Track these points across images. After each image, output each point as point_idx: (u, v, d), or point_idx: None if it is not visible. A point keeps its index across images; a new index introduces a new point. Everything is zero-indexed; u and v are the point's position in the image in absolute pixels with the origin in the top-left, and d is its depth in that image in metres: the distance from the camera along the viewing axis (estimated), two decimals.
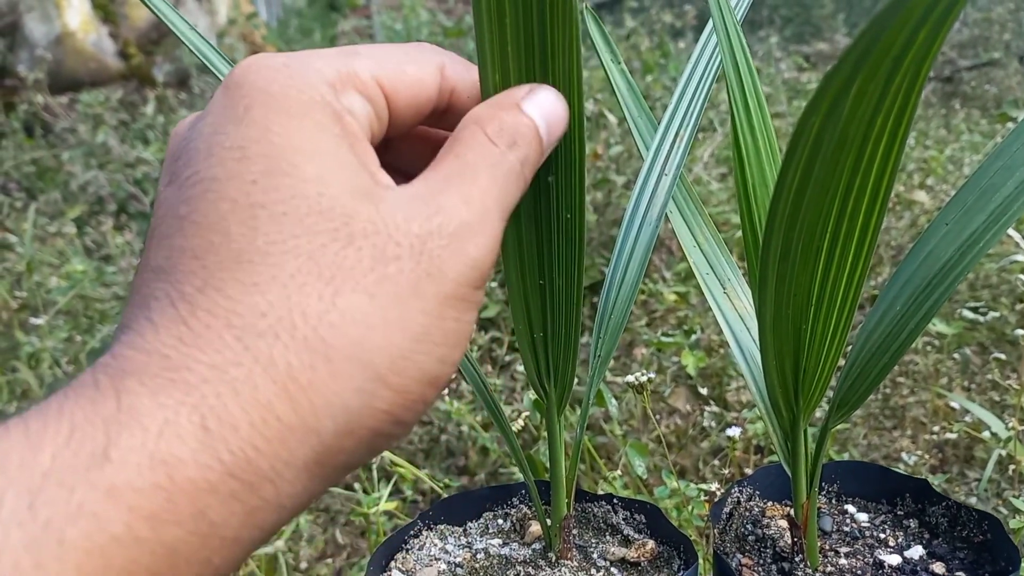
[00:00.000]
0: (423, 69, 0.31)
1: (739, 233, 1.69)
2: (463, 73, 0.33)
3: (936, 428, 1.17)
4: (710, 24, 0.48)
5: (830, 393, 0.42)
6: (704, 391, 1.15)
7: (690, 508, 0.78)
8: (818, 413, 0.93)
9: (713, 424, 1.04)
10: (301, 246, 0.25)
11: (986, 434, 1.14)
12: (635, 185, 0.47)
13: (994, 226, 0.38)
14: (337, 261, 0.26)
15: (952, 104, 2.97)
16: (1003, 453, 1.05)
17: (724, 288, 0.49)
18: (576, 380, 0.44)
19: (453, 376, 1.27)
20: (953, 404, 1.23)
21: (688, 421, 1.16)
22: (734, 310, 0.49)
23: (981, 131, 2.46)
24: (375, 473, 0.96)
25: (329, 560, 1.13)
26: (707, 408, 1.08)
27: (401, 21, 3.64)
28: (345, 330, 0.25)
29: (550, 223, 0.37)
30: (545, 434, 1.06)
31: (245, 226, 0.25)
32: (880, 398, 1.26)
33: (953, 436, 1.15)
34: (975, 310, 1.28)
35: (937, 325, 1.21)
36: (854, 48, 0.26)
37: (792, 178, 0.30)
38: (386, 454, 0.92)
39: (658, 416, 1.19)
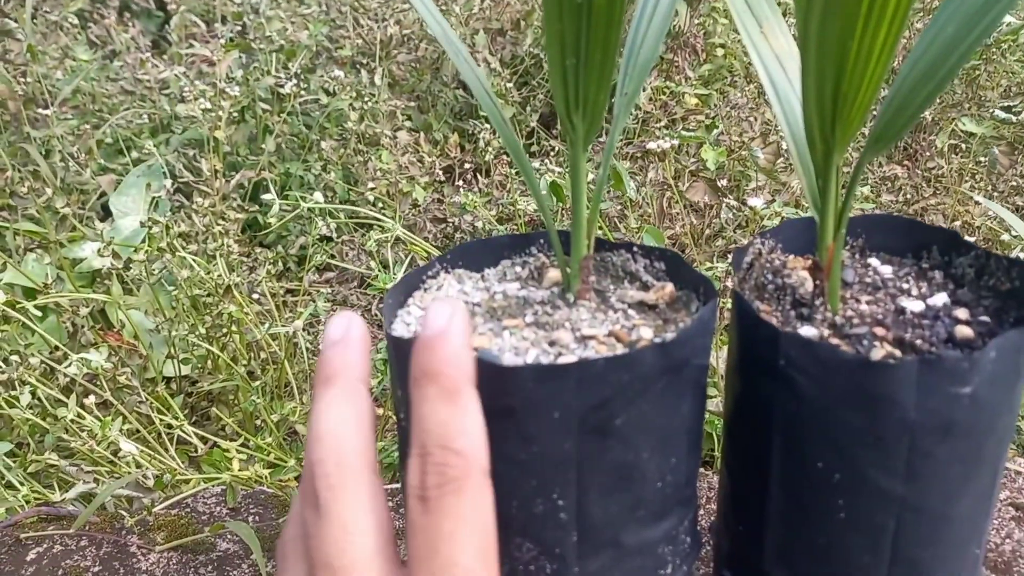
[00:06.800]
0: None
1: None
2: None
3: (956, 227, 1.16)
4: None
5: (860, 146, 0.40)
6: (723, 183, 1.13)
7: None
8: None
9: (731, 217, 1.03)
10: None
11: (1005, 237, 1.13)
12: None
13: None
14: None
15: None
16: (1023, 255, 1.05)
17: (761, 27, 0.46)
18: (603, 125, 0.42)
19: (468, 167, 1.24)
20: (973, 215, 1.22)
21: (705, 219, 1.15)
22: (771, 50, 0.46)
23: None
24: (390, 254, 0.96)
25: None
26: (725, 200, 1.06)
27: None
28: None
29: None
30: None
31: None
32: (901, 200, 1.24)
33: (972, 239, 1.14)
34: (1008, 109, 1.23)
35: (967, 125, 1.18)
36: None
37: None
38: (399, 233, 0.92)
39: (675, 212, 1.17)
